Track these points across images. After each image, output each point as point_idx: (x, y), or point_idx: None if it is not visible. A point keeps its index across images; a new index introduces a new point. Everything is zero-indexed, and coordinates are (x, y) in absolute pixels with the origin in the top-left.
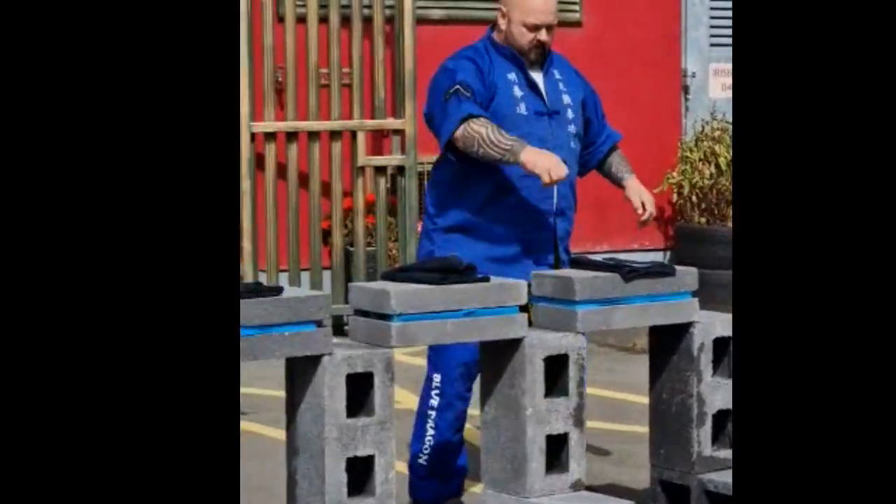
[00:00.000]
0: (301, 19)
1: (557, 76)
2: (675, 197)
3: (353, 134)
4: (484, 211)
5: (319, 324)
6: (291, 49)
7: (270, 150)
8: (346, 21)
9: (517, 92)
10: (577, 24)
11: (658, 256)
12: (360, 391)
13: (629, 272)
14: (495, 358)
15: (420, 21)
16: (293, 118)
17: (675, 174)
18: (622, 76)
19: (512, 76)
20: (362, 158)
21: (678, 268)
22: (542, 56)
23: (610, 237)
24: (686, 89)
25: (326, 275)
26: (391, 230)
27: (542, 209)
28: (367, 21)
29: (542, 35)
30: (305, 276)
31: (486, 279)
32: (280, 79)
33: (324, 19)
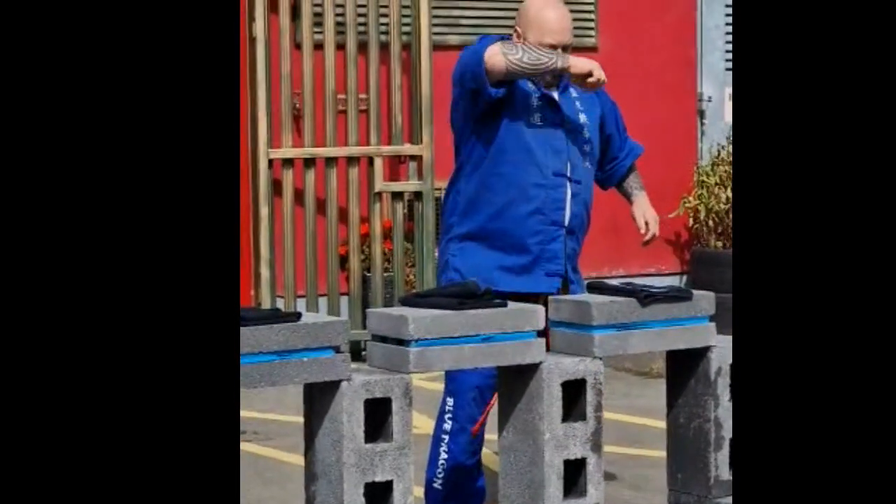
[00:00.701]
0: (318, 46)
1: (573, 94)
2: (691, 221)
3: (371, 160)
4: (499, 218)
5: (338, 349)
6: (309, 76)
7: (288, 177)
8: (362, 47)
9: (534, 101)
10: (593, 48)
11: (674, 281)
12: (378, 416)
13: (646, 297)
14: (513, 383)
15: (437, 47)
16: (310, 144)
17: (691, 198)
18: (638, 100)
19: (530, 86)
20: (379, 184)
21: (695, 292)
22: (559, 77)
23: (626, 261)
24: (702, 114)
25: (344, 300)
26: (408, 256)
27: (554, 219)
28: (384, 47)
29: None
30: (323, 302)
31: (504, 304)
32: (297, 105)
33: (341, 46)
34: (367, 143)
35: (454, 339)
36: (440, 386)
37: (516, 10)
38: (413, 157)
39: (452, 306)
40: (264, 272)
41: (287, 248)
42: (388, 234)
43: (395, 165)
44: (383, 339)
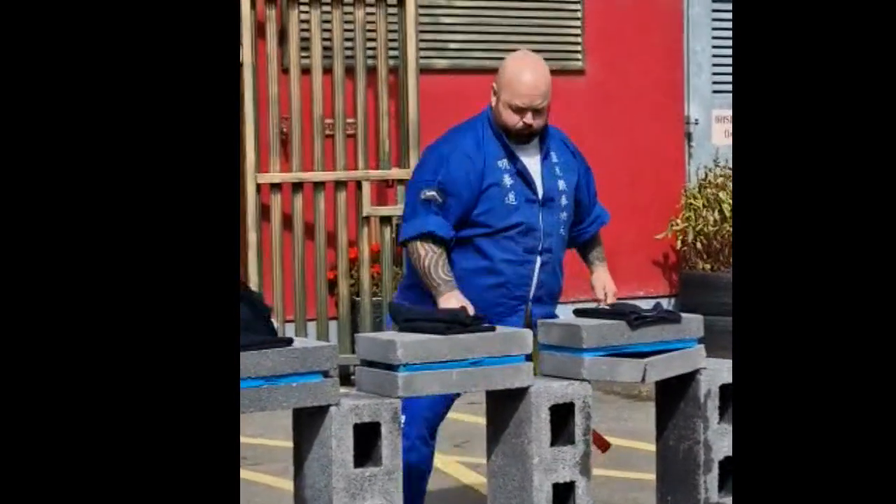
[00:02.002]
0: (305, 70)
1: (555, 160)
2: (679, 244)
3: (359, 184)
4: (461, 282)
5: (326, 374)
6: (296, 100)
7: (276, 201)
8: (350, 72)
9: (507, 181)
10: (580, 71)
11: (663, 303)
12: (367, 441)
13: (636, 319)
14: (501, 407)
15: (424, 71)
16: (298, 169)
17: (679, 221)
18: (625, 123)
19: (503, 163)
20: (367, 208)
21: (684, 315)
22: (530, 137)
23: (615, 283)
24: (689, 136)
25: (333, 325)
26: (397, 280)
27: (517, 294)
28: (371, 71)
29: (528, 118)
30: (312, 327)
31: (492, 328)
32: (285, 130)
33: (328, 70)
34: (355, 168)
35: (442, 363)
36: None
37: (503, 34)
38: (401, 181)
39: (440, 331)
40: None
41: (275, 272)
42: (376, 258)
43: (383, 190)
44: (372, 364)
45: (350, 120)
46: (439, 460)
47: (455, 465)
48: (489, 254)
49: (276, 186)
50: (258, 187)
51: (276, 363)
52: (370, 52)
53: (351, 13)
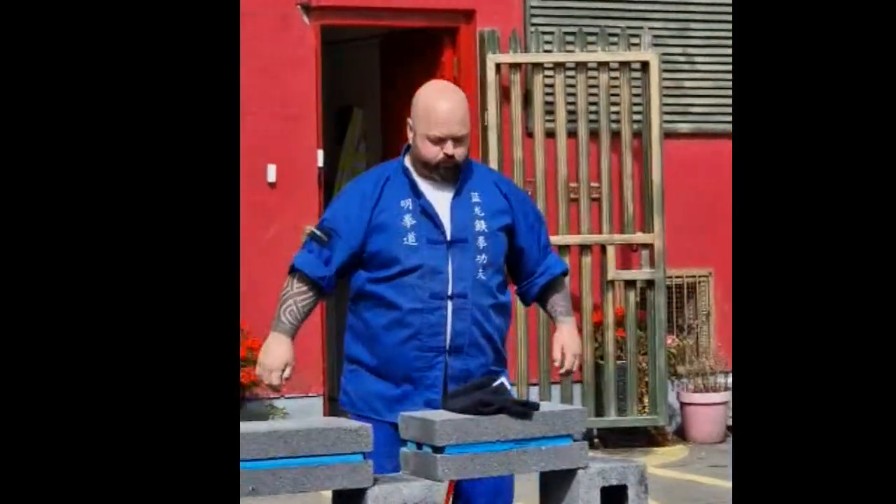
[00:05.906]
0: (550, 134)
1: (475, 199)
2: None
3: (603, 248)
4: (378, 345)
5: (575, 437)
6: (541, 163)
7: None
8: (594, 135)
9: (408, 221)
10: None
11: None
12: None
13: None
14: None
15: (667, 135)
16: None
17: None
18: None
19: (406, 203)
20: (612, 272)
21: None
22: (456, 171)
23: None
24: None
25: (577, 388)
26: (641, 344)
27: (431, 346)
28: (615, 135)
29: (449, 148)
30: (556, 390)
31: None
32: (530, 192)
33: (572, 134)
34: (600, 231)
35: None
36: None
37: None
38: (645, 246)
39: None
40: None
41: (520, 336)
42: (620, 322)
43: (627, 253)
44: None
45: (594, 184)
46: None
47: None
48: (396, 303)
49: None
50: None
51: (526, 426)
52: (614, 116)
53: (595, 77)
